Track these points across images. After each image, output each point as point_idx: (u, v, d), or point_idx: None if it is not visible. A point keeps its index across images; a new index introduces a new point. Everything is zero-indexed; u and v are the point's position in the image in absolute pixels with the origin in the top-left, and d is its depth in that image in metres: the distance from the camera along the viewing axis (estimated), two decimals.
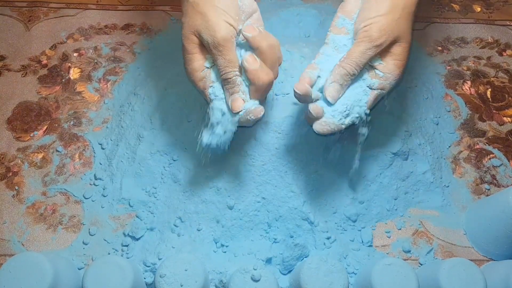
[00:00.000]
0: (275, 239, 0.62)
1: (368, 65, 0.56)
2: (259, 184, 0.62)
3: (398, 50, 0.56)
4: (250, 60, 0.53)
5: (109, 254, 0.62)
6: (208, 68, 0.56)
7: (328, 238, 0.63)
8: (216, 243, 0.62)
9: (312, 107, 0.53)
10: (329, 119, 0.54)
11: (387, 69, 0.56)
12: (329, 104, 0.54)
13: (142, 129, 0.67)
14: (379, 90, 0.57)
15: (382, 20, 0.55)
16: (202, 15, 0.53)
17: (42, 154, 0.69)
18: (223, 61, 0.53)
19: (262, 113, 0.53)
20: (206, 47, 0.54)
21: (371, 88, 0.56)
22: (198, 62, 0.55)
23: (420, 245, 0.65)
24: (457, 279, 0.55)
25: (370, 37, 0.54)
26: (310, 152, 0.63)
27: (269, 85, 0.54)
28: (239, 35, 0.55)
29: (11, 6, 0.84)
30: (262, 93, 0.54)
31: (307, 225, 0.63)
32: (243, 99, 0.53)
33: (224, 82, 0.54)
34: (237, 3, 0.55)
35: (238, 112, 0.53)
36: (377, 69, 0.56)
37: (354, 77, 0.55)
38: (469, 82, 0.80)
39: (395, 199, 0.67)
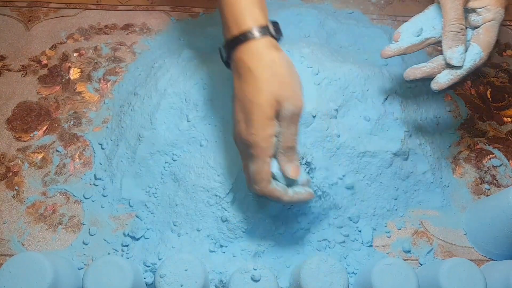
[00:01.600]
0: (277, 239, 0.62)
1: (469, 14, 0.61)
2: None
3: None
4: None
5: (109, 254, 0.62)
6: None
7: (327, 240, 0.63)
8: (216, 243, 0.62)
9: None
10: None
11: (483, 3, 0.59)
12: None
13: (142, 129, 0.67)
14: (489, 23, 0.60)
15: None
16: (286, 84, 0.53)
17: (42, 154, 0.69)
18: (295, 130, 0.54)
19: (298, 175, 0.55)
20: (279, 117, 0.53)
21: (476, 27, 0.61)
22: (275, 129, 0.53)
23: (420, 245, 0.65)
24: (457, 279, 0.55)
25: None
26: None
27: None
28: None
29: (11, 6, 0.84)
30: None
31: (308, 225, 0.63)
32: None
33: (288, 149, 0.54)
34: None
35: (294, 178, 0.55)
36: (475, 8, 0.61)
37: (465, 32, 0.60)
38: (469, 82, 0.80)
39: (395, 199, 0.67)
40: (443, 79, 0.60)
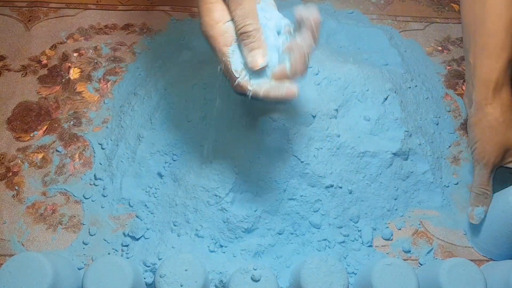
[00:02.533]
0: (277, 239, 0.62)
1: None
2: (260, 183, 0.62)
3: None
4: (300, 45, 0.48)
5: (109, 254, 0.62)
6: (229, 21, 0.49)
7: (327, 240, 0.63)
8: (216, 243, 0.62)
9: None
10: None
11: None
12: None
13: (142, 129, 0.67)
14: None
15: (479, 145, 0.65)
16: None
17: (42, 154, 0.69)
18: (242, 11, 0.47)
19: (294, 95, 0.48)
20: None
21: None
22: (220, 13, 0.48)
23: (420, 245, 0.65)
24: (457, 279, 0.55)
25: (476, 160, 0.65)
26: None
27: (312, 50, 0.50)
28: None
29: (11, 6, 0.84)
30: (303, 61, 0.49)
31: (308, 225, 0.63)
32: (264, 55, 0.48)
33: (243, 36, 0.48)
34: None
35: (259, 69, 0.47)
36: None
37: (488, 195, 0.64)
38: None
39: (395, 199, 0.67)
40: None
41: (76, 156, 0.70)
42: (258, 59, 0.48)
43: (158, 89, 0.69)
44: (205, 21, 0.49)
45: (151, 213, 0.64)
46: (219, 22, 0.49)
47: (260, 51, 0.48)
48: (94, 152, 0.70)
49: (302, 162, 0.63)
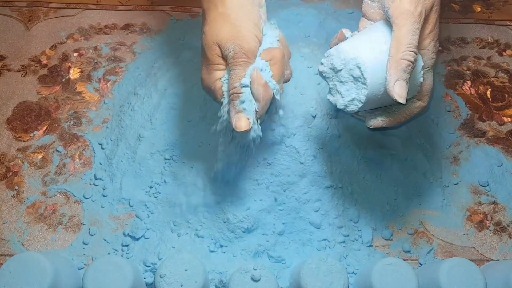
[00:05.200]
0: (277, 239, 0.62)
1: None
2: (260, 184, 0.62)
3: (432, 18, 0.52)
4: (257, 76, 0.51)
5: (109, 254, 0.62)
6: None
7: (327, 240, 0.63)
8: (216, 243, 0.62)
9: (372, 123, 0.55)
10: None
11: (423, 46, 0.53)
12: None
13: (142, 129, 0.67)
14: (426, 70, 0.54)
15: None
16: (232, 26, 0.52)
17: (42, 154, 0.69)
18: (239, 72, 0.51)
19: (246, 128, 0.51)
20: (224, 59, 0.53)
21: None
22: (221, 72, 0.53)
23: (420, 245, 0.65)
24: (457, 279, 0.55)
25: (406, 11, 0.50)
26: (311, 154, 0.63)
27: (269, 101, 0.53)
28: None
29: (11, 6, 0.84)
30: (262, 108, 0.52)
31: (308, 225, 0.63)
32: (247, 119, 0.51)
33: (233, 97, 0.51)
34: (260, 17, 0.54)
35: (244, 131, 0.51)
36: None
37: (415, 65, 0.50)
38: (469, 82, 0.80)
39: (395, 199, 0.67)
40: (378, 120, 0.56)
41: (76, 156, 0.70)
42: (242, 124, 0.51)
43: (158, 89, 0.69)
44: (206, 78, 0.54)
45: (151, 213, 0.64)
46: (219, 79, 0.53)
47: (245, 115, 0.51)
48: (94, 152, 0.70)
49: (302, 162, 0.63)
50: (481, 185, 0.70)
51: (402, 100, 0.50)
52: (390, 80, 0.50)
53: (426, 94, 0.56)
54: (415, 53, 0.50)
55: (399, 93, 0.50)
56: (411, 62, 0.49)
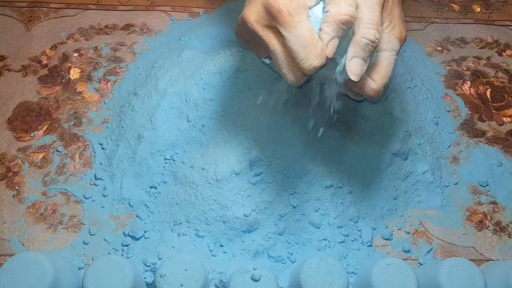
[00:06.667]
0: (276, 239, 0.62)
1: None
2: (259, 183, 0.62)
3: (389, 2, 0.50)
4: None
5: (109, 254, 0.62)
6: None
7: (327, 239, 0.63)
8: (216, 243, 0.62)
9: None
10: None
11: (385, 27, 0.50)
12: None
13: (142, 129, 0.67)
14: (384, 52, 0.51)
15: None
16: None
17: (43, 154, 0.70)
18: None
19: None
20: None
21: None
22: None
23: (420, 245, 0.65)
24: (457, 279, 0.55)
25: None
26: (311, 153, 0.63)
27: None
28: None
29: (11, 6, 0.84)
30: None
31: (308, 225, 0.63)
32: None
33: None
34: None
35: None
36: None
37: (378, 43, 0.48)
38: (468, 82, 0.80)
39: (395, 199, 0.67)
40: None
41: (77, 156, 0.70)
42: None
43: (158, 89, 0.69)
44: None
45: (151, 213, 0.64)
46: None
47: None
48: (94, 152, 0.70)
49: (302, 162, 0.63)
50: (480, 185, 0.70)
51: (354, 78, 0.47)
52: (347, 57, 0.48)
53: (378, 75, 0.51)
54: (378, 31, 0.47)
55: (352, 69, 0.47)
56: (370, 40, 0.47)
